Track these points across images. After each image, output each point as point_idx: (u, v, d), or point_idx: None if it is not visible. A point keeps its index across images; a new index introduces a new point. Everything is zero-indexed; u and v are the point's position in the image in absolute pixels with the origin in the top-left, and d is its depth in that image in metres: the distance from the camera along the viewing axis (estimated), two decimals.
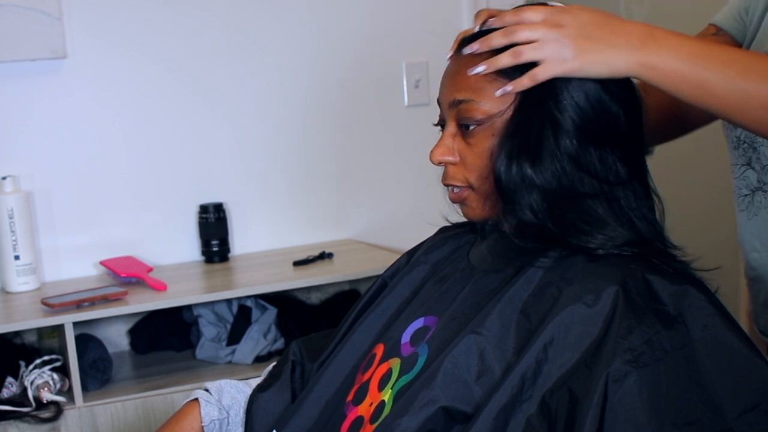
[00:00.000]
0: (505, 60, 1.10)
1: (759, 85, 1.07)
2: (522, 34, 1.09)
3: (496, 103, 1.12)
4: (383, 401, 1.13)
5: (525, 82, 1.09)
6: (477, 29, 1.17)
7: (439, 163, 1.17)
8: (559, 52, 1.08)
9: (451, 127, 1.16)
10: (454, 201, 1.20)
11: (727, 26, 1.46)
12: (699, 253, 1.15)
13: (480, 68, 1.11)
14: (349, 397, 1.19)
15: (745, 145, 1.37)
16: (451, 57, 1.19)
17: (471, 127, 1.13)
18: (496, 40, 1.11)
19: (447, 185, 1.18)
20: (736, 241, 1.46)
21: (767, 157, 1.34)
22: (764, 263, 1.38)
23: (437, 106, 1.20)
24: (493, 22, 1.14)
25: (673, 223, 1.19)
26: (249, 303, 2.23)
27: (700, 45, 1.10)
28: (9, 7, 2.09)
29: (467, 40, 1.17)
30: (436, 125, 1.21)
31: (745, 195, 1.40)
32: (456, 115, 1.15)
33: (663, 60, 1.08)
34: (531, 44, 1.08)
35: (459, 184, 1.16)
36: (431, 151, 1.17)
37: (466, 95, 1.13)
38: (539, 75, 1.09)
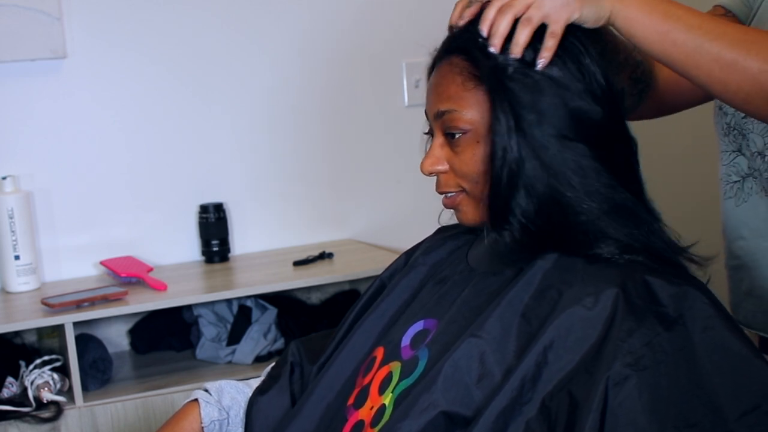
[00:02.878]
0: (522, 36, 1.09)
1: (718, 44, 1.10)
2: (519, 3, 1.10)
3: (477, 111, 1.13)
4: (384, 405, 1.13)
5: (550, 44, 1.09)
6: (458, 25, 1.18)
7: (430, 174, 1.18)
8: (556, 2, 1.09)
9: (439, 137, 1.18)
10: (447, 206, 1.21)
11: (735, 9, 1.46)
12: (693, 250, 1.15)
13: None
14: (350, 401, 1.19)
15: (735, 131, 1.37)
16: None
17: (457, 136, 1.15)
18: (501, 24, 1.10)
19: (441, 193, 1.19)
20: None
21: (756, 144, 1.35)
22: (750, 251, 1.38)
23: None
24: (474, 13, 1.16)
25: (667, 221, 1.19)
26: (249, 303, 2.23)
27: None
28: (9, 7, 2.09)
29: (441, 52, 1.18)
30: (426, 134, 1.22)
31: (735, 181, 1.40)
32: (441, 126, 1.16)
33: (633, 10, 1.11)
34: (532, 6, 1.09)
35: (453, 190, 1.18)
36: (422, 163, 1.18)
37: (448, 106, 1.15)
38: (556, 29, 1.09)
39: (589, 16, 1.10)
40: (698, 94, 1.47)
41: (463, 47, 1.16)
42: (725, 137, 1.41)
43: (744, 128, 1.36)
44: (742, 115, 1.35)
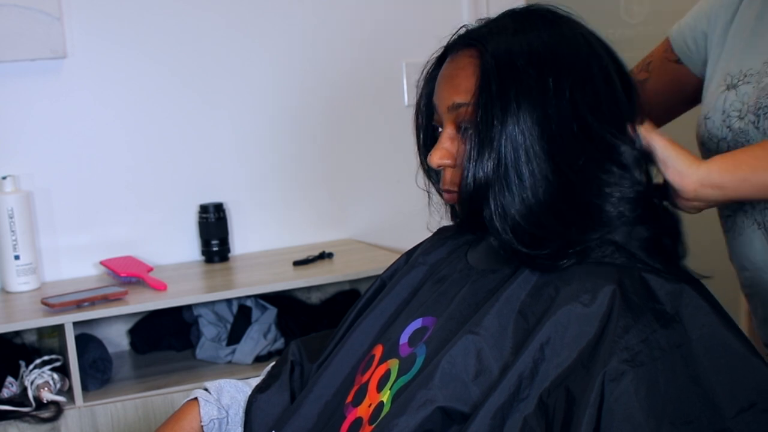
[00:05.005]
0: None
1: None
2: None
3: None
4: (382, 402, 1.13)
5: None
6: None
7: (438, 167, 1.17)
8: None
9: (449, 130, 1.16)
10: (449, 201, 1.20)
11: (677, 47, 1.49)
12: (697, 255, 1.15)
13: None
14: (349, 399, 1.19)
15: None
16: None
17: (470, 130, 1.13)
18: None
19: (446, 191, 1.18)
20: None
21: None
22: (755, 282, 1.37)
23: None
24: None
25: None
26: (249, 303, 2.23)
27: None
28: (9, 7, 2.09)
29: (462, 37, 1.18)
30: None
31: (728, 216, 1.39)
32: (455, 119, 1.15)
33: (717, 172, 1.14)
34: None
35: (455, 188, 1.16)
36: (430, 155, 1.17)
37: (465, 98, 1.13)
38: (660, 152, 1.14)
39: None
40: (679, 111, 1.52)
41: (481, 40, 1.14)
42: None
43: None
44: (725, 151, 1.34)
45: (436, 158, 1.16)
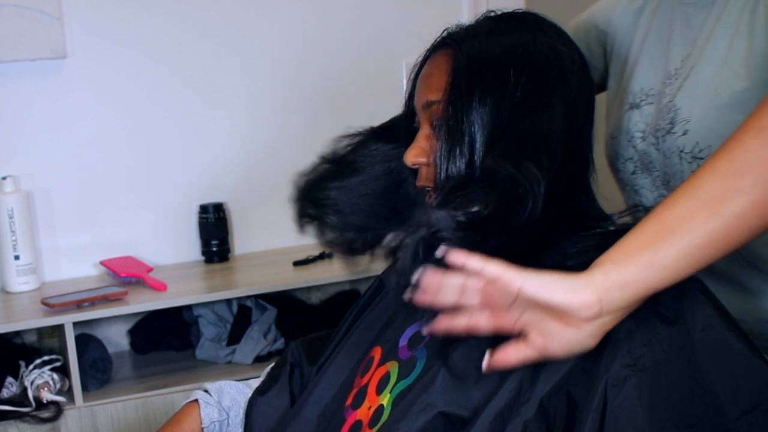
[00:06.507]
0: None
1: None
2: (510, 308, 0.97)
3: None
4: (382, 405, 1.13)
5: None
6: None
7: (413, 165, 1.17)
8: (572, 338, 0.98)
9: (425, 129, 1.17)
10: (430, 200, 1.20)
11: (580, 40, 1.40)
12: None
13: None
14: (348, 401, 1.19)
15: (628, 187, 1.35)
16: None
17: (442, 128, 1.13)
18: (461, 320, 1.00)
19: (422, 187, 1.19)
20: None
21: (648, 199, 1.31)
22: None
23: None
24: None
25: None
26: (249, 303, 2.23)
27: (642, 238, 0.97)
28: (9, 7, 2.09)
29: (435, 45, 1.19)
30: (414, 125, 1.22)
31: None
32: (429, 116, 1.15)
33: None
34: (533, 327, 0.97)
35: (432, 185, 1.16)
36: (405, 153, 1.17)
37: (438, 96, 1.14)
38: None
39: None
40: None
41: (458, 40, 1.15)
42: (623, 192, 1.39)
43: (635, 183, 1.33)
44: (631, 170, 1.32)
45: (410, 156, 1.17)
